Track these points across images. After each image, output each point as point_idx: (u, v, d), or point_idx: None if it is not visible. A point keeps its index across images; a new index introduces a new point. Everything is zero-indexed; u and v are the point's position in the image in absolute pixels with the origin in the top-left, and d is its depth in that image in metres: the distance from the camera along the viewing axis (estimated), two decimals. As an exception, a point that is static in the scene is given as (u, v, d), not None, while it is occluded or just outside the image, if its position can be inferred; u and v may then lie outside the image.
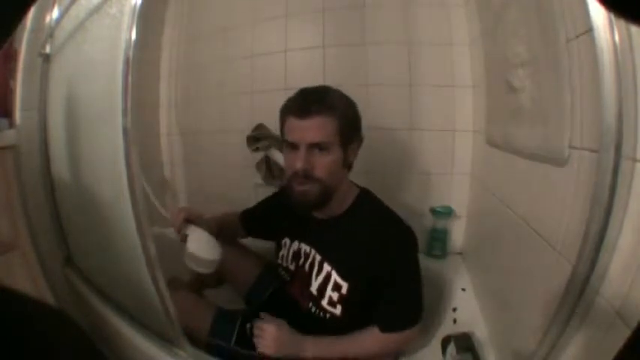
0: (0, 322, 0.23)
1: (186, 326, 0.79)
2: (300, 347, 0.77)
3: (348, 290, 0.76)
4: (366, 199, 0.83)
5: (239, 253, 1.10)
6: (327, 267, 0.79)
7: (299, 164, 0.71)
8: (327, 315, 0.79)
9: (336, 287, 0.77)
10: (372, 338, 0.77)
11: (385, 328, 0.76)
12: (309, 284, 0.81)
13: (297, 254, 0.86)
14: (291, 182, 0.75)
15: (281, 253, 0.91)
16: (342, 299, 0.77)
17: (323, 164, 0.72)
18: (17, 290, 0.25)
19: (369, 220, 0.78)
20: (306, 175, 0.72)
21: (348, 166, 0.80)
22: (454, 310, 0.98)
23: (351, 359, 0.76)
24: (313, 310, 0.81)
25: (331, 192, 0.76)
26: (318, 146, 0.71)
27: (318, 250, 0.82)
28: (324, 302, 0.78)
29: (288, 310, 0.85)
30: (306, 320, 0.81)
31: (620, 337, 0.37)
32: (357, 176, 0.86)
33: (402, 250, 0.77)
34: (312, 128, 0.71)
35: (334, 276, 0.78)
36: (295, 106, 0.74)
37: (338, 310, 0.77)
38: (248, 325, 0.85)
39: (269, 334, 0.77)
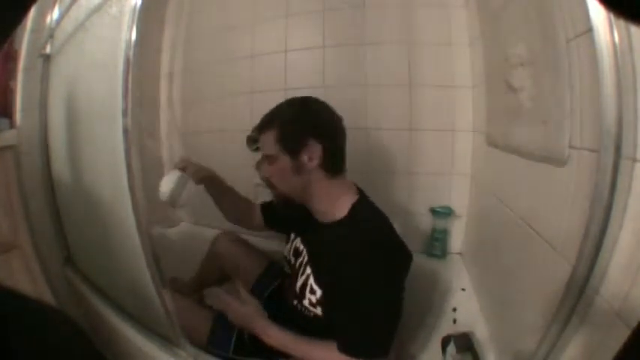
0: (0, 322, 0.23)
1: (185, 334, 0.79)
2: (258, 328, 0.79)
3: (322, 296, 0.76)
4: (359, 209, 0.78)
5: (244, 250, 1.11)
6: (308, 270, 0.80)
7: (260, 174, 0.82)
8: (311, 314, 0.79)
9: (312, 291, 0.78)
10: (325, 351, 0.73)
11: (340, 347, 0.70)
12: (296, 282, 0.83)
13: (296, 250, 0.88)
14: None
15: (287, 247, 0.93)
16: (319, 303, 0.77)
17: (270, 173, 0.79)
18: (17, 290, 0.25)
19: (352, 233, 0.74)
20: (267, 184, 0.81)
21: (327, 168, 0.76)
22: (454, 310, 0.98)
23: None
24: (298, 307, 0.82)
25: (288, 197, 0.79)
26: (267, 158, 0.78)
27: (307, 252, 0.83)
28: (306, 302, 0.79)
29: (283, 303, 0.87)
30: (295, 315, 0.81)
31: (620, 337, 0.37)
32: (357, 176, 0.86)
33: (369, 272, 0.69)
34: (261, 142, 0.79)
35: (311, 280, 0.78)
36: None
37: (319, 311, 0.77)
38: (245, 333, 0.86)
39: (234, 308, 0.83)
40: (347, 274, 0.70)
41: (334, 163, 0.78)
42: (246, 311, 0.82)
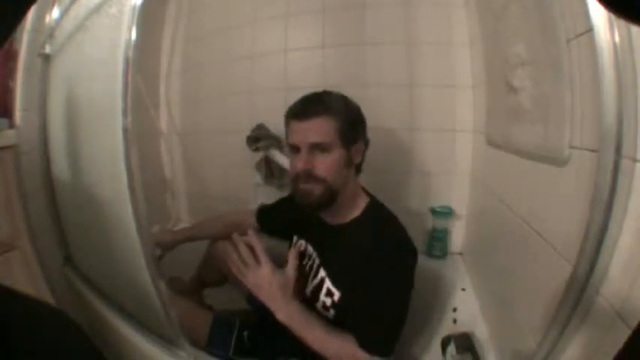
0: (0, 322, 0.23)
1: (185, 334, 0.79)
2: (276, 305, 0.73)
3: (340, 299, 0.76)
4: (374, 210, 0.80)
5: None
6: (322, 272, 0.80)
7: (301, 165, 0.73)
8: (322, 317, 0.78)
9: (329, 293, 0.77)
10: (344, 345, 0.71)
11: (362, 344, 0.69)
12: (306, 285, 0.82)
13: (302, 253, 0.87)
14: (296, 183, 0.76)
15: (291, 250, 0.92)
16: (335, 306, 0.77)
17: (324, 164, 0.73)
18: (17, 290, 0.25)
19: (371, 234, 0.75)
20: (309, 175, 0.74)
21: (355, 167, 0.79)
22: (454, 310, 0.98)
23: (314, 347, 0.71)
24: None
25: (335, 192, 0.75)
26: (319, 146, 0.73)
27: (319, 255, 0.83)
28: (319, 305, 0.78)
29: None
30: None
31: (620, 337, 0.37)
32: (357, 176, 0.86)
33: (390, 272, 0.71)
34: (312, 129, 0.73)
35: (327, 283, 0.78)
36: (296, 109, 0.76)
37: (331, 315, 0.77)
38: (245, 333, 0.85)
39: (261, 273, 0.74)
40: (371, 273, 0.70)
41: (362, 162, 0.81)
42: (270, 278, 0.74)
